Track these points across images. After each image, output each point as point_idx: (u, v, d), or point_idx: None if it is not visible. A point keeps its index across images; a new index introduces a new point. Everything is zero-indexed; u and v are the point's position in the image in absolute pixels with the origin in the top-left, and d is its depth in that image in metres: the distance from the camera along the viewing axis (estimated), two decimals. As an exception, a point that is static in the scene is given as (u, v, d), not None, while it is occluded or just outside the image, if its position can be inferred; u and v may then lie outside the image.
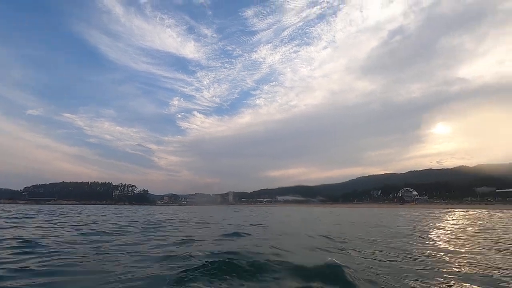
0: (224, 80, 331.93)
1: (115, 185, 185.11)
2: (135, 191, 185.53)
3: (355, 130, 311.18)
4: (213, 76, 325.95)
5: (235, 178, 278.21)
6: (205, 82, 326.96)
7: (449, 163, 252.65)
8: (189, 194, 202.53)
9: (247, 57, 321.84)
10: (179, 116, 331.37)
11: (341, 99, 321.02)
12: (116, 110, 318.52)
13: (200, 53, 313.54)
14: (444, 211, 44.22)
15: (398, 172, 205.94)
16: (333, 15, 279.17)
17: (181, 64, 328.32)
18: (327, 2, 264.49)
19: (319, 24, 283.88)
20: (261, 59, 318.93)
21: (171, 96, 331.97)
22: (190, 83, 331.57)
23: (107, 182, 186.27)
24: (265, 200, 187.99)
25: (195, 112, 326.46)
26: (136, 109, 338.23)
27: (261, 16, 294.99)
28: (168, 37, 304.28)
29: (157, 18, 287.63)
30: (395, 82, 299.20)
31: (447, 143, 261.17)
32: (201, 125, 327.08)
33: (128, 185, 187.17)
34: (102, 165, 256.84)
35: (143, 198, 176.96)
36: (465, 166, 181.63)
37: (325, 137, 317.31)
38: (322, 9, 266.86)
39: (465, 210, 46.69)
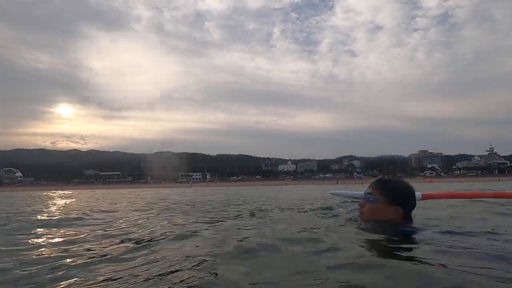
0: None
1: None
2: None
3: None
4: None
5: None
6: None
7: (64, 145, 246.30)
8: None
9: None
10: None
11: None
12: None
13: None
14: (48, 193, 42.40)
15: (1, 149, 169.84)
16: None
17: None
18: None
19: None
20: None
21: None
22: None
23: None
24: None
25: None
26: None
27: None
28: None
29: None
30: (21, 42, 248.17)
31: (66, 125, 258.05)
32: None
33: None
34: None
35: None
36: (78, 149, 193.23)
37: None
38: None
39: (67, 192, 48.27)
